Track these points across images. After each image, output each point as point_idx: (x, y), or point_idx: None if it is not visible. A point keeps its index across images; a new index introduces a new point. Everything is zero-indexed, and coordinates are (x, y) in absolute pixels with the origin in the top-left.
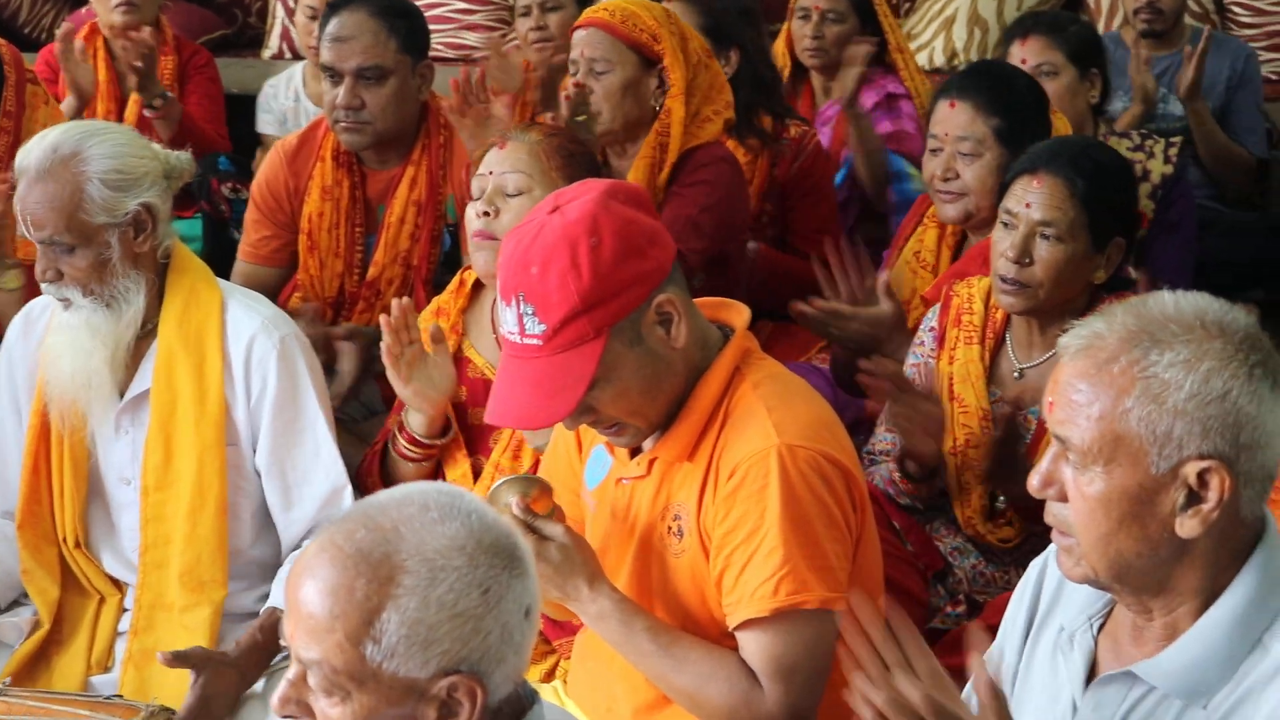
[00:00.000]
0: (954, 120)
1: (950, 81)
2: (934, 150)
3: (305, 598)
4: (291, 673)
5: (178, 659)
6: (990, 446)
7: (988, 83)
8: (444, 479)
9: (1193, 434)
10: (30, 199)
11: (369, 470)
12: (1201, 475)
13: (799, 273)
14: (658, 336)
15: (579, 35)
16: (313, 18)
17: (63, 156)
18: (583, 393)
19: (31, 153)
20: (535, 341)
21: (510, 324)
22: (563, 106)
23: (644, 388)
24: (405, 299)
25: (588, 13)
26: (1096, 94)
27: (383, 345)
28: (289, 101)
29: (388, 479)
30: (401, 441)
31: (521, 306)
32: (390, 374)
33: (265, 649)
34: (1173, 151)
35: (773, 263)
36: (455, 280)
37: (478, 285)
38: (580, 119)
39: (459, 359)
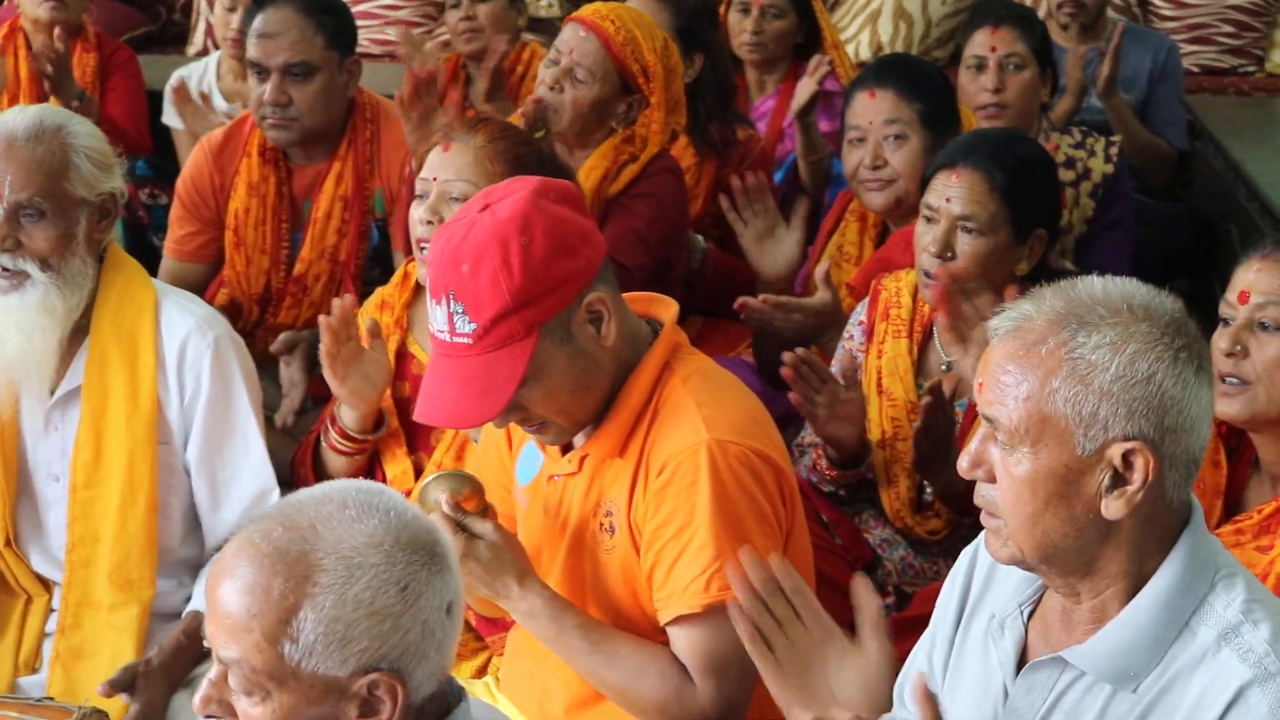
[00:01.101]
0: (877, 108)
1: (865, 73)
2: (856, 141)
3: (224, 597)
4: (213, 673)
5: (113, 687)
6: (915, 436)
7: (904, 71)
8: (383, 475)
9: (1118, 415)
10: (16, 159)
11: (301, 460)
12: (1126, 456)
13: (744, 274)
14: (588, 335)
15: (575, 32)
16: (230, 9)
17: (51, 127)
18: (513, 392)
19: (14, 120)
20: (465, 340)
21: (440, 322)
22: (521, 117)
23: (573, 386)
24: (347, 297)
25: (593, 11)
26: (1047, 94)
27: (320, 345)
28: (197, 97)
29: (320, 471)
30: (334, 435)
31: (452, 305)
32: (326, 372)
33: (190, 651)
34: (1113, 150)
35: (721, 264)
36: (399, 273)
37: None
38: (539, 135)
39: (402, 354)
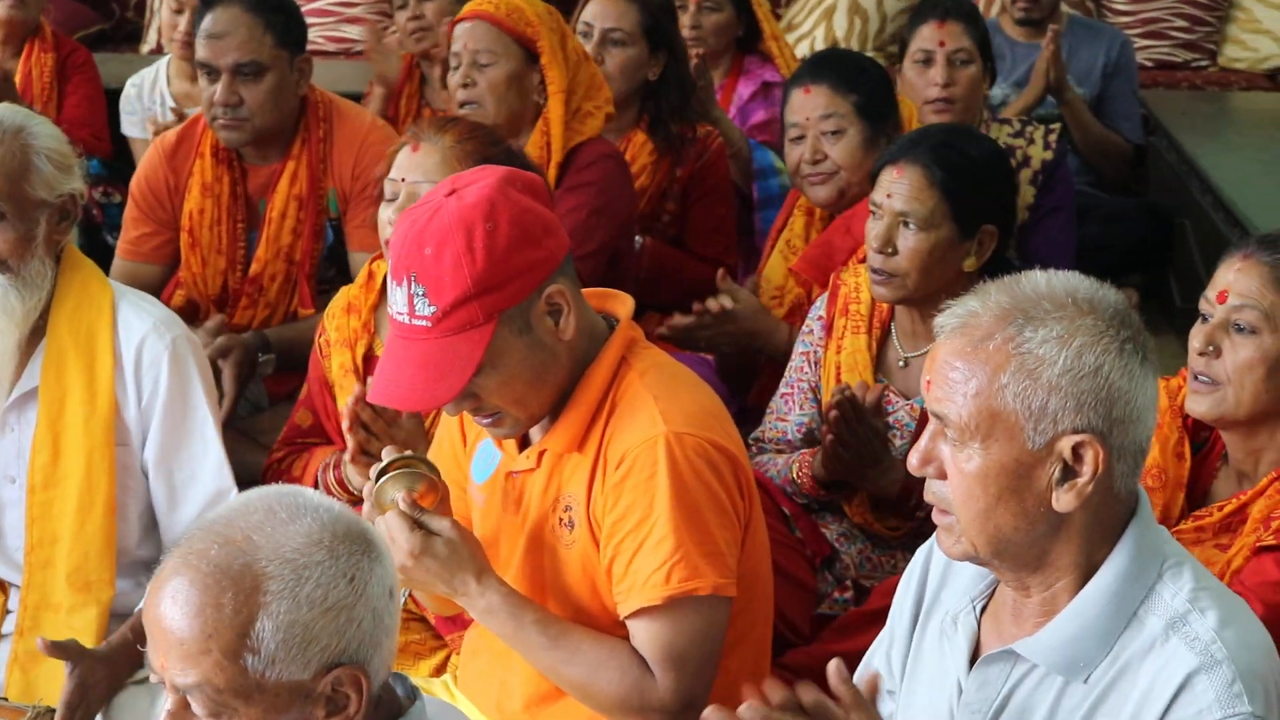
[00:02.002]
0: (813, 103)
1: (800, 70)
2: (796, 139)
3: (171, 625)
4: (170, 704)
5: (56, 648)
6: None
7: (837, 65)
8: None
9: (1067, 409)
10: None
11: (275, 477)
12: (1076, 449)
13: (687, 270)
14: (546, 327)
15: (462, 29)
16: (178, 11)
17: (11, 128)
18: (469, 378)
19: None
20: (424, 323)
21: (400, 304)
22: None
23: (529, 377)
24: (358, 388)
25: (469, 6)
26: (987, 86)
27: (348, 438)
28: (154, 105)
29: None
30: (332, 482)
31: (413, 287)
32: (353, 467)
33: (136, 650)
34: (1052, 137)
35: (660, 258)
36: (363, 273)
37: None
38: None
39: (369, 359)
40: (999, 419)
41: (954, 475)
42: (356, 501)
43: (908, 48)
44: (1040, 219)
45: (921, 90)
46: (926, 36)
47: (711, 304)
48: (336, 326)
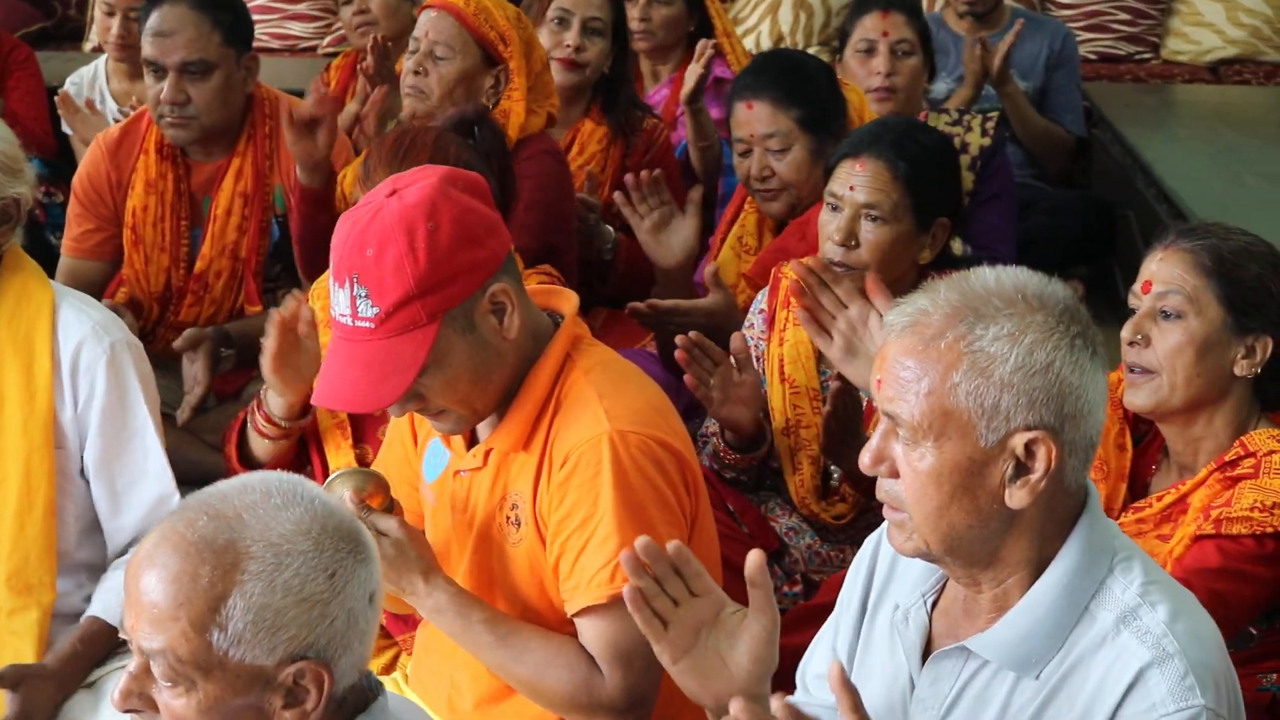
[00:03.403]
0: (755, 120)
1: (741, 82)
2: (743, 153)
3: (147, 587)
4: (133, 665)
5: None
6: (824, 421)
7: (778, 77)
8: (324, 465)
9: (1019, 406)
10: None
11: (226, 444)
12: (1029, 446)
13: (646, 261)
14: (490, 326)
15: (427, 16)
16: (109, 14)
17: None
18: (413, 379)
19: None
20: (367, 325)
21: (342, 306)
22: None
23: (474, 377)
24: (296, 293)
25: None
26: (928, 80)
27: (266, 340)
28: (96, 102)
29: (245, 456)
30: (260, 419)
31: (355, 289)
32: (264, 361)
33: (85, 658)
34: (989, 125)
35: (632, 254)
36: None
37: None
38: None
39: None
40: (951, 418)
41: (907, 474)
42: (287, 436)
43: (849, 38)
44: (978, 205)
45: (863, 80)
46: (870, 26)
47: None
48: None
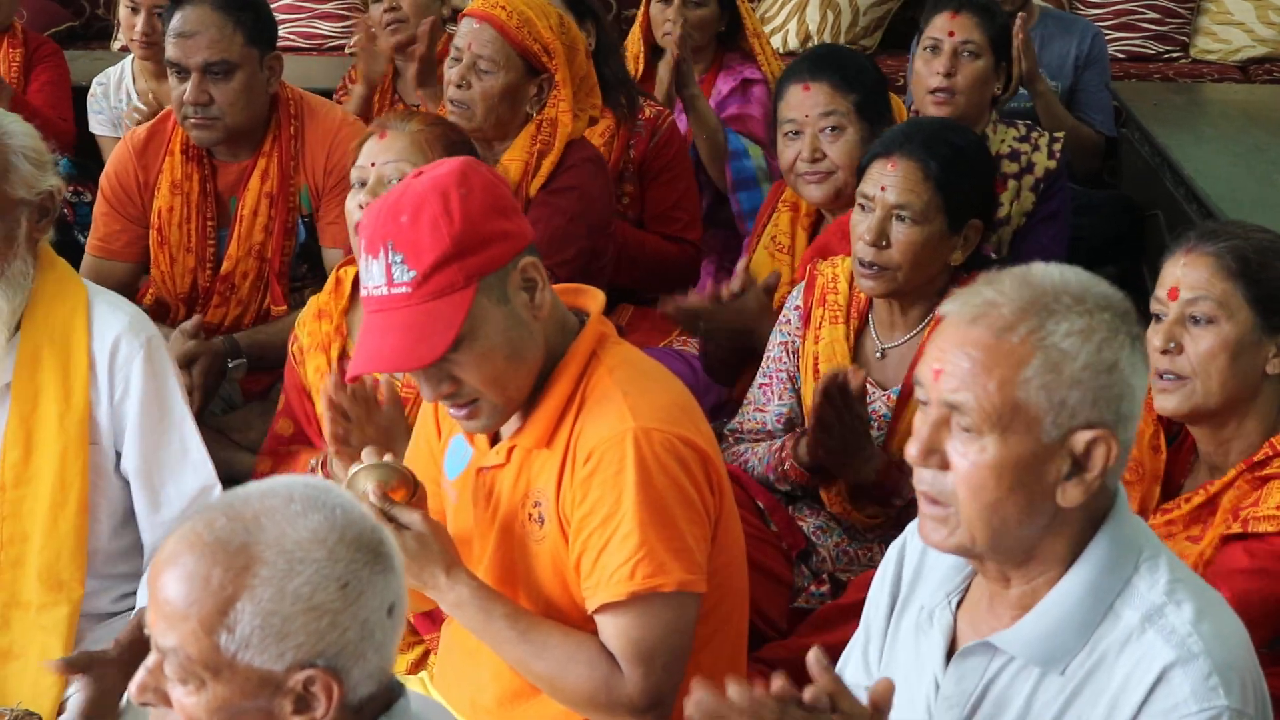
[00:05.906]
0: (813, 101)
1: (798, 66)
2: (793, 134)
3: (164, 585)
4: (150, 660)
5: (69, 667)
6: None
7: (837, 63)
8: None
9: (1085, 403)
10: None
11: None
12: (1089, 444)
13: (652, 248)
14: (522, 300)
15: (468, 26)
16: (133, 10)
17: None
18: (451, 339)
19: None
20: (404, 289)
21: (377, 277)
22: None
23: (508, 353)
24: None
25: (480, 4)
26: (1000, 86)
27: (327, 428)
28: (120, 103)
29: None
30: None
31: (390, 256)
32: (333, 456)
33: (145, 645)
34: (1056, 146)
35: (625, 238)
36: (331, 280)
37: (358, 283)
38: None
39: (345, 359)
40: (1020, 411)
41: (963, 467)
42: None
43: (921, 35)
44: (1035, 225)
45: (925, 79)
46: (938, 26)
47: (724, 290)
48: (309, 333)
